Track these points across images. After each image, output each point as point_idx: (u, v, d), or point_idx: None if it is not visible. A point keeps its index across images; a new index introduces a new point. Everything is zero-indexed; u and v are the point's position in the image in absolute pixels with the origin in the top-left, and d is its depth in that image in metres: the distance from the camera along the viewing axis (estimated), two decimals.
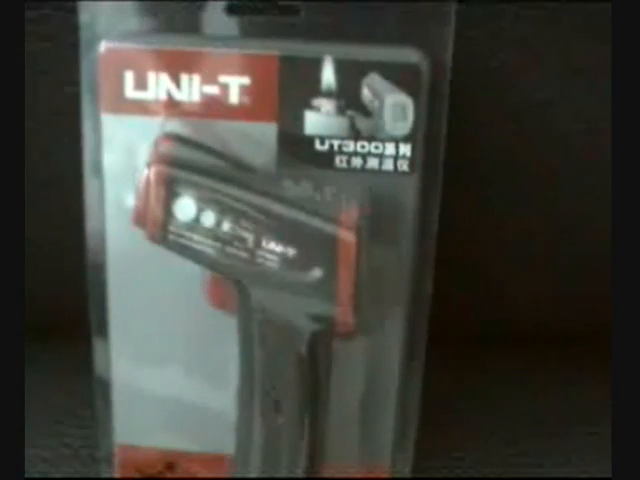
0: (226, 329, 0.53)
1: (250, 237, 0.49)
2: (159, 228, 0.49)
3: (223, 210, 0.49)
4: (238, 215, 0.49)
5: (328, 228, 0.49)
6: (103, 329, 0.55)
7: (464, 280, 0.62)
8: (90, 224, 0.54)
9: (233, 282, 0.51)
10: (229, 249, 0.49)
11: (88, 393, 0.58)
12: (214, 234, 0.49)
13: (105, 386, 0.56)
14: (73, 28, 0.51)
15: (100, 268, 0.54)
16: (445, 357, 0.60)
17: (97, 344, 0.56)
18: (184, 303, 0.54)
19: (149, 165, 0.49)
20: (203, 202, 0.49)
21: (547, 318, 0.65)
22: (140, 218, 0.50)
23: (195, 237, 0.49)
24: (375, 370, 0.56)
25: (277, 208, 0.49)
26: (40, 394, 0.63)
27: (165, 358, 0.56)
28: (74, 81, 0.52)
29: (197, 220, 0.49)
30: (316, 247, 0.49)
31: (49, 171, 0.59)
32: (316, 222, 0.49)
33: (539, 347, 0.65)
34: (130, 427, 0.57)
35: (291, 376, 0.51)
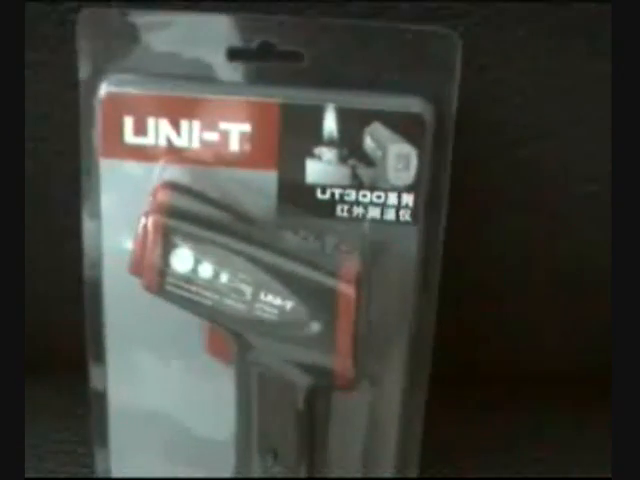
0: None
1: (248, 289, 0.48)
2: (156, 278, 0.49)
3: (221, 262, 0.48)
4: (236, 267, 0.48)
5: (328, 281, 0.48)
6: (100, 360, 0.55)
7: (465, 321, 0.62)
8: (87, 263, 0.53)
9: (231, 333, 0.50)
10: (227, 301, 0.48)
11: (84, 427, 0.58)
12: (212, 286, 0.48)
13: (102, 419, 0.56)
14: (73, 70, 0.50)
15: (98, 305, 0.53)
16: (446, 398, 0.59)
17: (94, 375, 0.55)
18: (183, 345, 0.54)
19: (147, 214, 0.49)
20: (201, 253, 0.48)
21: (549, 358, 0.64)
22: (137, 267, 0.49)
23: (192, 288, 0.48)
24: (375, 416, 0.55)
25: (276, 261, 0.48)
26: (35, 429, 0.62)
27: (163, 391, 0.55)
28: (73, 124, 0.51)
29: (194, 271, 0.48)
30: (315, 300, 0.48)
31: (49, 209, 0.58)
32: (315, 275, 0.48)
33: (540, 387, 0.65)
34: (127, 461, 0.57)
35: (289, 428, 0.51)
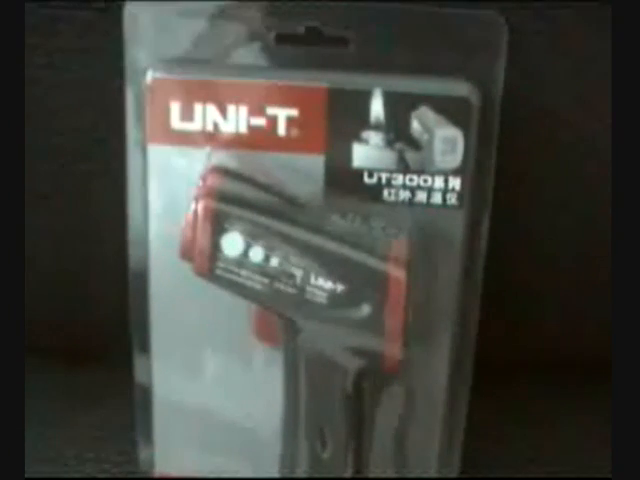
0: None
1: (299, 273, 0.48)
2: (206, 263, 0.49)
3: (271, 246, 0.48)
4: (287, 251, 0.48)
5: (378, 265, 0.48)
6: (145, 351, 0.55)
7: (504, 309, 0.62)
8: (133, 251, 0.53)
9: (281, 317, 0.50)
10: (277, 285, 0.48)
11: (127, 417, 0.58)
12: (262, 270, 0.48)
13: (146, 408, 0.56)
14: (119, 57, 0.51)
15: (143, 291, 0.54)
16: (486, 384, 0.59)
17: (138, 365, 0.55)
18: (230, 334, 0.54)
19: (197, 199, 0.49)
20: (251, 237, 0.48)
21: (584, 346, 0.64)
22: (187, 252, 0.49)
23: (243, 272, 0.49)
24: (419, 399, 0.55)
25: (326, 244, 0.48)
26: (76, 418, 0.62)
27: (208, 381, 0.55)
28: (120, 110, 0.51)
29: (245, 255, 0.48)
30: (365, 283, 0.48)
31: (95, 196, 0.58)
32: (366, 259, 0.48)
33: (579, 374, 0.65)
34: (170, 452, 0.57)
35: (337, 412, 0.51)
